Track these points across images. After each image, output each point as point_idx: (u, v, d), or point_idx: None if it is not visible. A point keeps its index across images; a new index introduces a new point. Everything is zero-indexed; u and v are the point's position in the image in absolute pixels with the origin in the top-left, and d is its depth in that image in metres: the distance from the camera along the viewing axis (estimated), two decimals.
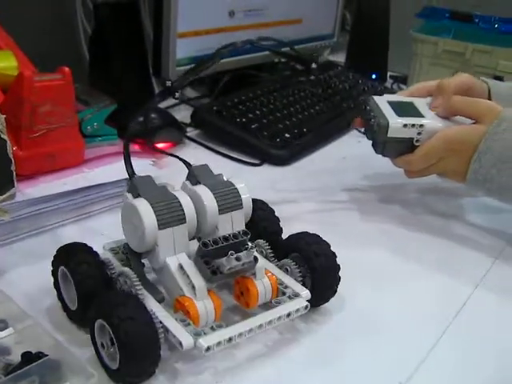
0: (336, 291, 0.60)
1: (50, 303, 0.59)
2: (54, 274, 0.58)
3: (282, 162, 0.95)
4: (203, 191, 0.56)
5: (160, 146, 0.93)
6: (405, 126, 0.75)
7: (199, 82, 1.23)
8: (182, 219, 0.54)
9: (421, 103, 0.80)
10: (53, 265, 0.58)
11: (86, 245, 0.57)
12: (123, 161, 0.80)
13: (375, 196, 0.88)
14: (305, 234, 0.61)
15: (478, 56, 1.11)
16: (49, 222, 0.72)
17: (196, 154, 0.97)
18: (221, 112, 1.01)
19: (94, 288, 0.53)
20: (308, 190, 0.88)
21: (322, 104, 1.13)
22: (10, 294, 0.56)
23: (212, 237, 0.55)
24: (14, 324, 0.53)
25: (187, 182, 0.59)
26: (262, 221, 0.65)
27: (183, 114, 1.08)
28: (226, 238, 0.54)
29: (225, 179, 0.60)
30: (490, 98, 0.82)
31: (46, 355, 0.48)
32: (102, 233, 0.72)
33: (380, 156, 0.79)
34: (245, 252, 0.54)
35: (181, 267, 0.53)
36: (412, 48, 1.21)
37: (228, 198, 0.57)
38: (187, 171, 0.61)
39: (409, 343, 0.58)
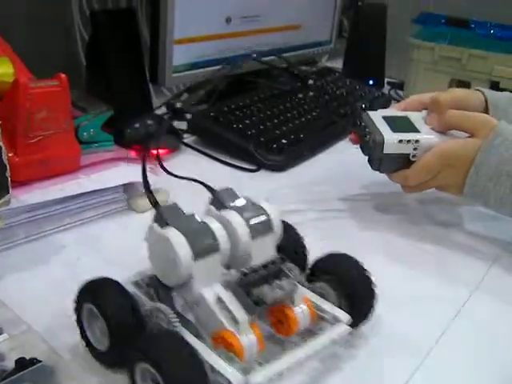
0: (374, 309, 0.58)
1: (42, 308, 0.59)
2: (78, 310, 0.54)
3: (278, 168, 0.95)
4: (233, 216, 0.53)
5: (158, 152, 0.93)
6: (400, 141, 0.75)
7: (196, 88, 1.23)
8: (215, 248, 0.51)
9: (416, 117, 0.80)
10: (77, 301, 0.54)
11: (114, 280, 0.53)
12: (122, 168, 0.81)
13: (373, 203, 0.87)
14: (333, 255, 0.59)
15: (474, 61, 1.11)
16: (44, 228, 0.72)
17: (193, 161, 0.97)
18: (217, 118, 1.01)
19: (128, 328, 0.50)
20: (305, 197, 0.87)
21: (319, 110, 1.13)
22: (5, 301, 0.56)
23: (246, 264, 0.53)
24: (8, 330, 0.53)
25: (212, 208, 0.56)
26: (291, 245, 0.61)
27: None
28: (265, 266, 0.52)
29: (252, 201, 0.57)
30: (487, 108, 0.82)
31: (40, 361, 0.48)
32: (98, 240, 0.73)
33: None
34: (286, 279, 0.52)
35: (219, 299, 0.50)
36: (409, 54, 1.21)
37: (259, 222, 0.54)
38: (210, 196, 0.57)
39: (408, 343, 0.58)
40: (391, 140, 0.75)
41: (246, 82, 1.21)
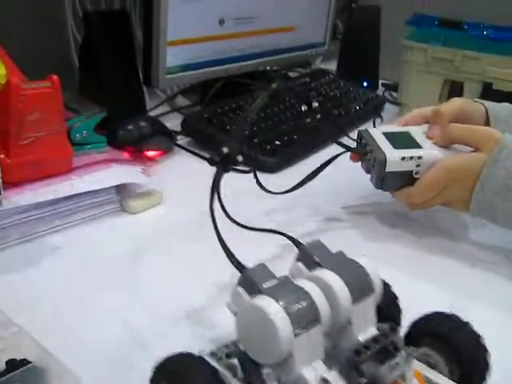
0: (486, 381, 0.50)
1: (34, 310, 0.59)
2: None
3: (272, 169, 0.95)
4: (331, 278, 0.46)
5: (150, 153, 0.93)
6: (403, 158, 0.73)
7: (191, 90, 1.23)
8: (317, 318, 0.44)
9: (417, 132, 0.78)
10: (153, 381, 0.46)
11: (200, 358, 0.45)
12: (114, 169, 0.81)
13: (371, 208, 0.86)
14: (436, 314, 0.51)
15: (467, 63, 1.11)
16: (37, 229, 0.72)
17: (186, 162, 0.97)
18: (211, 119, 1.01)
19: None
20: (301, 203, 0.85)
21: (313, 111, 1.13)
22: None
23: (345, 332, 0.47)
24: None
25: (301, 266, 0.50)
26: (386, 305, 0.52)
27: (174, 122, 1.07)
28: (376, 340, 0.46)
29: (344, 255, 0.51)
30: (487, 120, 0.81)
31: (30, 362, 0.48)
32: (91, 241, 0.73)
33: None
34: (400, 355, 0.45)
35: (324, 381, 0.43)
36: (402, 55, 1.21)
37: (359, 283, 0.47)
38: (297, 251, 0.52)
39: None
40: (393, 157, 0.73)
41: (241, 84, 1.20)
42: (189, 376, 0.43)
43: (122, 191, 0.79)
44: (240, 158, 0.54)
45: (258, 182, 0.70)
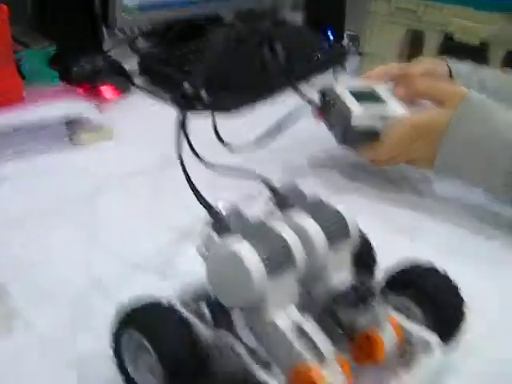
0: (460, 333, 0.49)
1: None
2: (117, 341, 0.43)
3: (227, 108, 0.93)
4: (307, 222, 0.44)
5: (105, 91, 0.91)
6: (368, 114, 0.72)
7: (152, 33, 1.21)
8: (292, 262, 0.42)
9: (382, 90, 0.77)
10: (117, 328, 0.43)
11: (170, 304, 0.43)
12: (66, 103, 0.80)
13: (333, 161, 0.84)
14: (417, 266, 0.50)
15: (429, 13, 1.11)
16: None
17: (142, 103, 0.96)
18: (168, 60, 1.00)
19: (188, 366, 0.41)
20: (260, 152, 0.79)
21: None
22: None
23: (320, 279, 0.45)
24: None
25: (274, 208, 0.48)
26: (366, 257, 0.52)
27: (133, 64, 1.05)
28: (355, 288, 0.45)
29: (321, 200, 0.48)
30: (451, 78, 0.81)
31: None
32: (40, 172, 0.72)
33: None
34: (377, 302, 0.44)
35: (299, 328, 0.41)
36: (367, 6, 1.21)
37: (335, 228, 0.45)
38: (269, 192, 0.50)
39: None
40: (359, 113, 0.72)
41: (202, 28, 1.19)
42: (156, 324, 0.41)
43: (74, 124, 0.78)
44: (204, 95, 0.52)
45: (218, 135, 0.65)
